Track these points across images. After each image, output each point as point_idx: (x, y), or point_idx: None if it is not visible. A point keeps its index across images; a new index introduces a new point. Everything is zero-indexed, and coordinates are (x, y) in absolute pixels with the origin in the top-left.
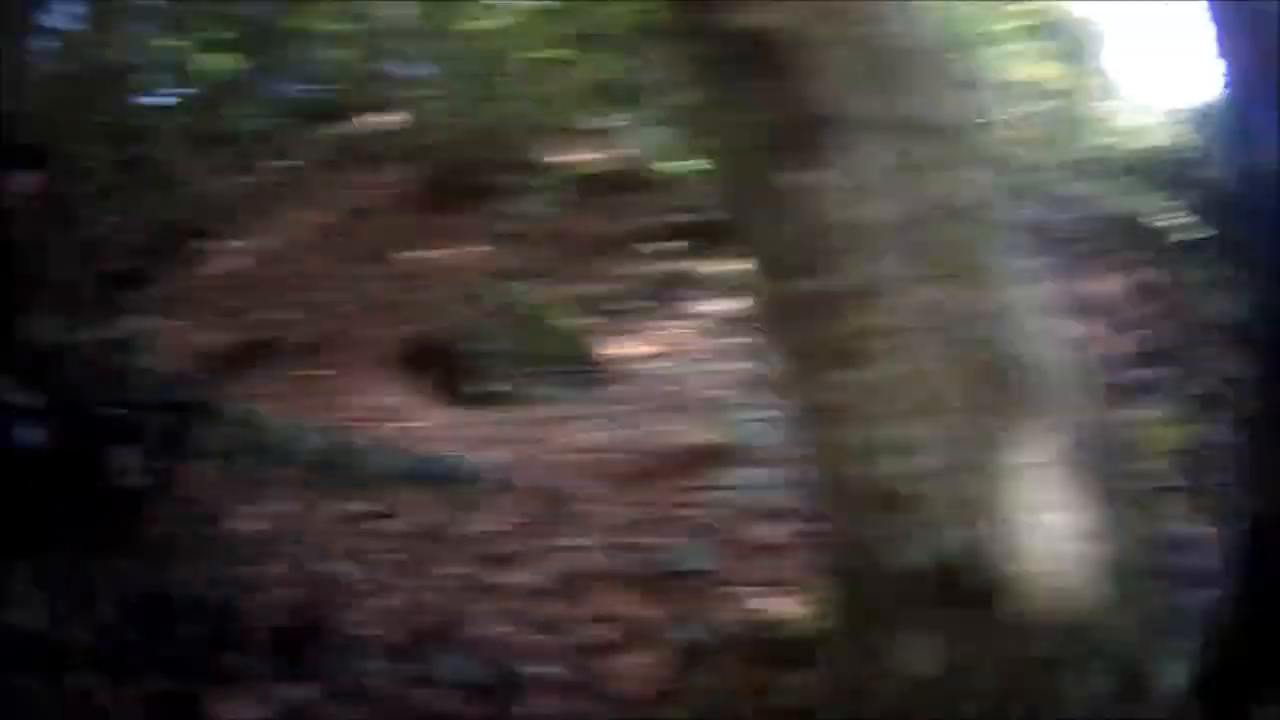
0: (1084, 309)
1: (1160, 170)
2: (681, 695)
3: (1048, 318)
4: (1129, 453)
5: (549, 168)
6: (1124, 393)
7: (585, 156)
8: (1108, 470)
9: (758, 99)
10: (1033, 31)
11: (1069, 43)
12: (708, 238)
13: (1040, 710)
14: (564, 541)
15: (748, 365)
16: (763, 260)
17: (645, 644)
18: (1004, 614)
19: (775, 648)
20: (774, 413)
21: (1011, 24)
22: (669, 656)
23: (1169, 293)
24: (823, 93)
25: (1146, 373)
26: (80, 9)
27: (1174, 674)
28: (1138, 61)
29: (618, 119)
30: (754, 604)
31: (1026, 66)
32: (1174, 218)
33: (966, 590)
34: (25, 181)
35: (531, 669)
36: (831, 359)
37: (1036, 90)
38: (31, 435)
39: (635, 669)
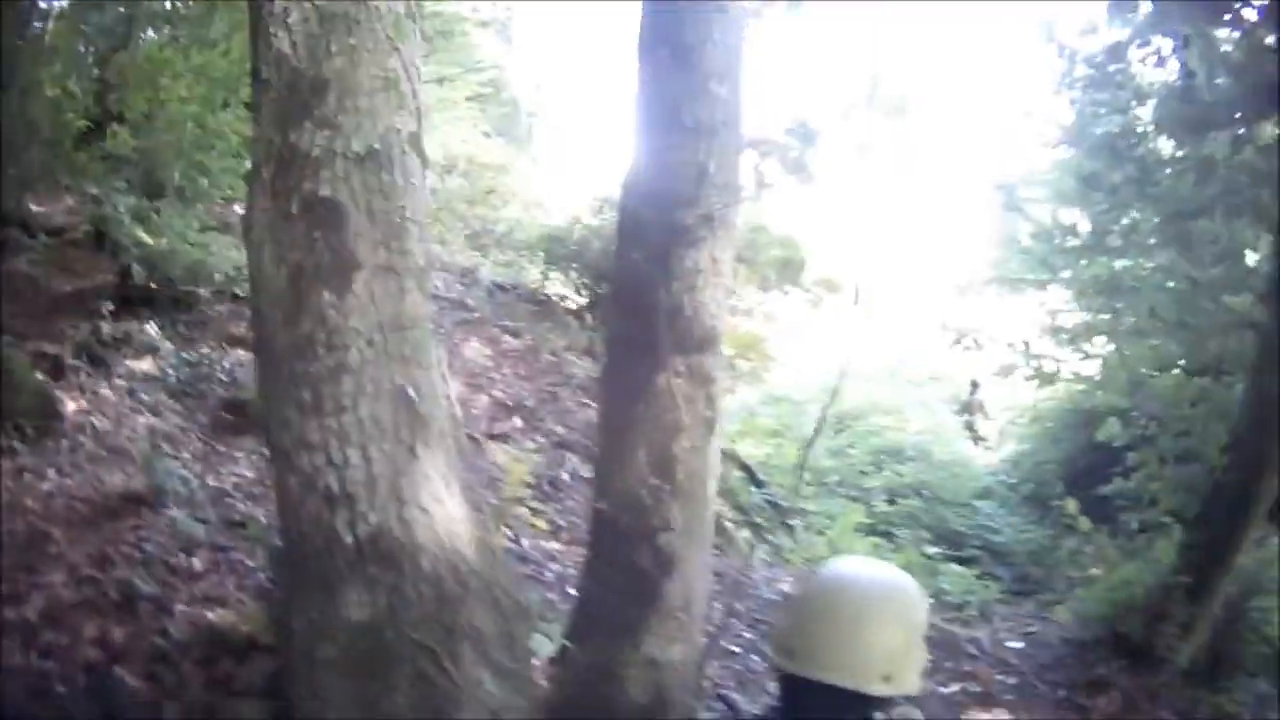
0: (467, 367)
1: (563, 248)
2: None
3: (444, 378)
4: (492, 477)
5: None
6: (494, 435)
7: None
8: (478, 484)
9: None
10: (475, 101)
11: (510, 118)
12: (153, 304)
13: (451, 634)
14: (42, 579)
15: (161, 421)
16: (277, 349)
17: (125, 658)
18: (414, 569)
19: (222, 647)
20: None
21: (457, 93)
22: (145, 666)
23: (540, 354)
24: (355, 245)
25: (512, 420)
26: None
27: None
28: (577, 144)
29: (105, 183)
30: (198, 617)
31: (462, 137)
32: (566, 291)
33: (386, 554)
34: None
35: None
36: (312, 409)
37: (466, 162)
38: None
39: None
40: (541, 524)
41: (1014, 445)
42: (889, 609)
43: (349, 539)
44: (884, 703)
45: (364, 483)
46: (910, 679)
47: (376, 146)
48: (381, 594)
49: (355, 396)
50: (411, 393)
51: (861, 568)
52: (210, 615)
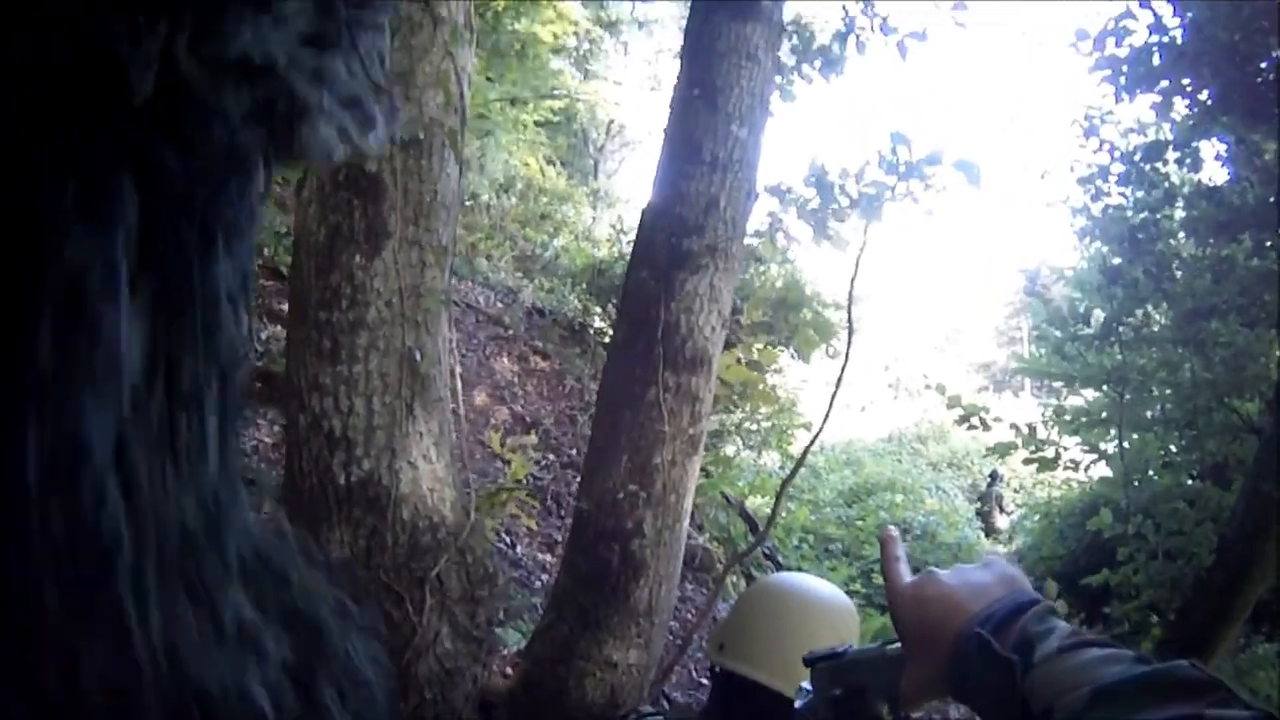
0: (494, 380)
1: (605, 281)
2: None
3: (450, 352)
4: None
5: None
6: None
7: None
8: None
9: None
10: (543, 128)
11: (576, 150)
12: None
13: (419, 584)
14: None
15: None
16: (307, 298)
17: None
18: (395, 517)
19: None
20: None
21: (526, 116)
22: None
23: (565, 379)
24: (388, 217)
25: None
26: None
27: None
28: (635, 183)
29: None
30: None
31: (527, 158)
32: (593, 318)
33: (373, 499)
34: None
35: None
36: (329, 356)
37: (524, 185)
38: None
39: None
40: (532, 523)
41: (1023, 539)
42: (823, 619)
43: (341, 480)
44: None
45: (364, 430)
46: None
47: (420, 136)
48: (362, 535)
49: (368, 350)
50: (418, 355)
51: (805, 580)
52: None
